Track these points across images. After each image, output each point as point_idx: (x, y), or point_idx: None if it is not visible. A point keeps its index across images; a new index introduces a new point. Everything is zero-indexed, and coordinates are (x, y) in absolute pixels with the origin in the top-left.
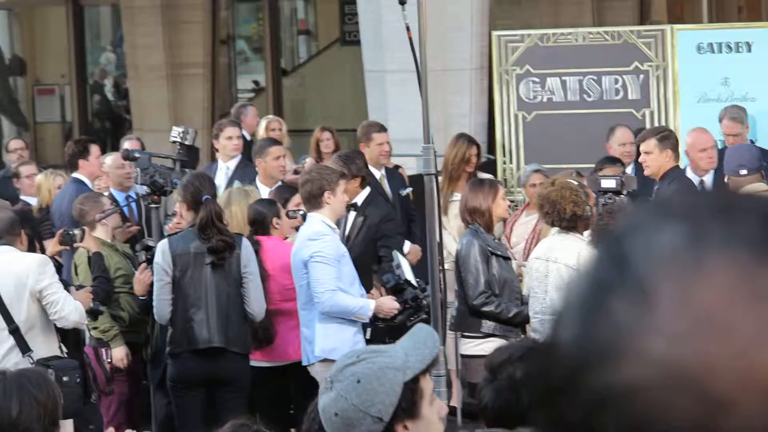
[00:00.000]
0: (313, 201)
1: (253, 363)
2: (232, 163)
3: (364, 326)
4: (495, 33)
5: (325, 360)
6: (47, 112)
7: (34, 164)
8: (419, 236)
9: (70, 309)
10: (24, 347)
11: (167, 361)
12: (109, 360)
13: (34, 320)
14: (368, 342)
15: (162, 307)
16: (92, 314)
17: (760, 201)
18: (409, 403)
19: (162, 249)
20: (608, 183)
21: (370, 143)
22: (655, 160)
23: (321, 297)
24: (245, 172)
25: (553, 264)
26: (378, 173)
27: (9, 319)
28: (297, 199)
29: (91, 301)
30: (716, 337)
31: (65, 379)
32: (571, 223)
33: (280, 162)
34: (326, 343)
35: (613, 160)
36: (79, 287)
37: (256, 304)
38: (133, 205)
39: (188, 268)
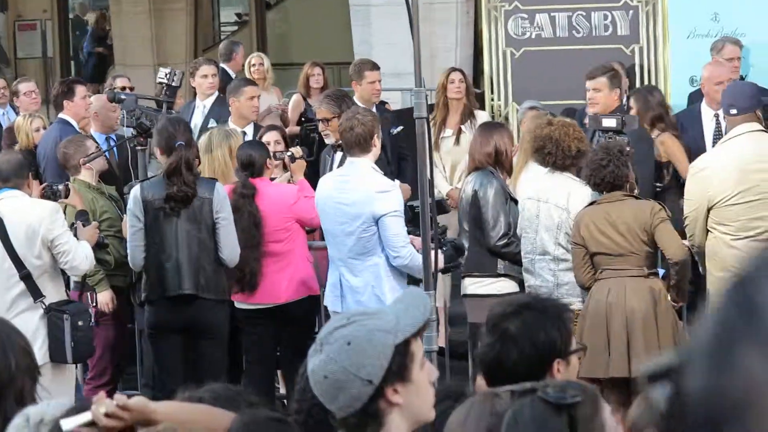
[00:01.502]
0: (364, 145)
1: (240, 305)
2: (209, 102)
3: None
4: None
5: None
6: (28, 47)
7: (34, 81)
8: (410, 176)
9: (81, 258)
10: (36, 293)
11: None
12: (94, 304)
13: (45, 267)
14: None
15: (135, 254)
16: (98, 247)
17: None
18: (399, 366)
19: (134, 195)
20: (609, 122)
21: (363, 81)
22: (604, 98)
23: (402, 251)
24: (222, 110)
25: (543, 204)
26: None
27: (20, 265)
28: (272, 136)
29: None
30: None
31: (80, 323)
32: (575, 161)
33: (254, 102)
34: (395, 294)
35: None
36: (85, 224)
37: (229, 250)
38: (114, 149)
39: (159, 215)
